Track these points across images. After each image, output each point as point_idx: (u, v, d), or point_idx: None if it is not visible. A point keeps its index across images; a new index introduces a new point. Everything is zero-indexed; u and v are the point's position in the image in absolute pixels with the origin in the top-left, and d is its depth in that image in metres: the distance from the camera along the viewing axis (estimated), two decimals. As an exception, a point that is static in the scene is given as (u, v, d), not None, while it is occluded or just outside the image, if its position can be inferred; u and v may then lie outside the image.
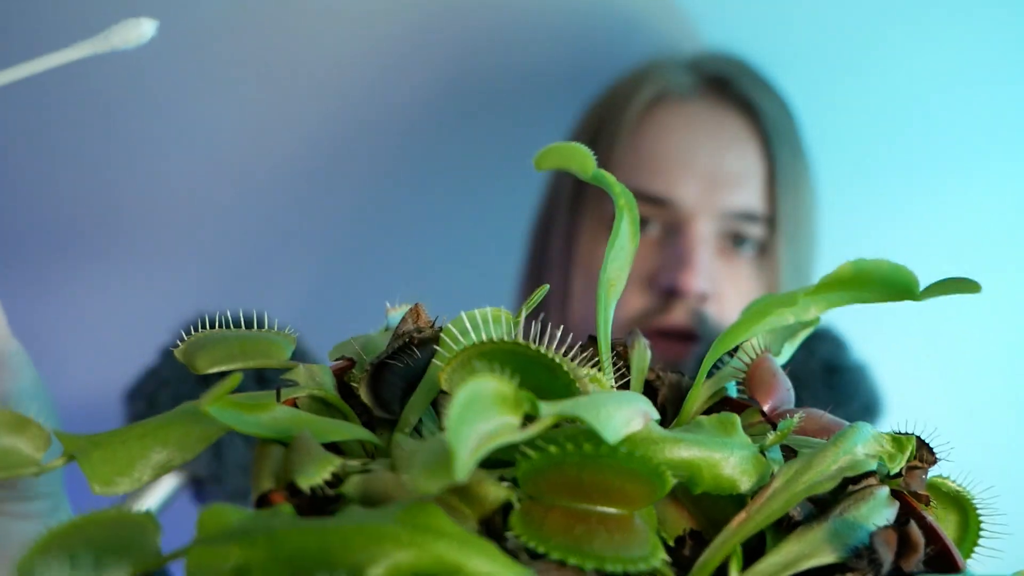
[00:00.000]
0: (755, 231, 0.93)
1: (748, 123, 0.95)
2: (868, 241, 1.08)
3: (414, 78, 1.05)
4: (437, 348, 0.35)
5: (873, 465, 0.33)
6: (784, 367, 0.42)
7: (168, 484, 0.74)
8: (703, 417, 0.35)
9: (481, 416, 0.26)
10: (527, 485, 0.29)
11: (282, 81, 1.04)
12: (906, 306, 1.23)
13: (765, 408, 0.38)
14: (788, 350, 0.46)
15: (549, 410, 0.28)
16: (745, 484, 0.32)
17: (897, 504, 0.33)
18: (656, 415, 0.33)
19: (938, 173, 1.05)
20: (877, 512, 0.32)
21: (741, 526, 0.31)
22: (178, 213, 1.08)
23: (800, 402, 0.77)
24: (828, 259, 1.02)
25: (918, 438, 0.35)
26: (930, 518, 0.33)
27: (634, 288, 0.92)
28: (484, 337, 0.32)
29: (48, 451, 0.39)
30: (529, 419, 0.28)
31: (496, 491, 0.30)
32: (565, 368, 0.31)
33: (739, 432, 0.34)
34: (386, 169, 1.09)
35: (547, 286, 0.42)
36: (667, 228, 0.93)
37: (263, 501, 0.30)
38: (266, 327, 0.78)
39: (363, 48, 1.03)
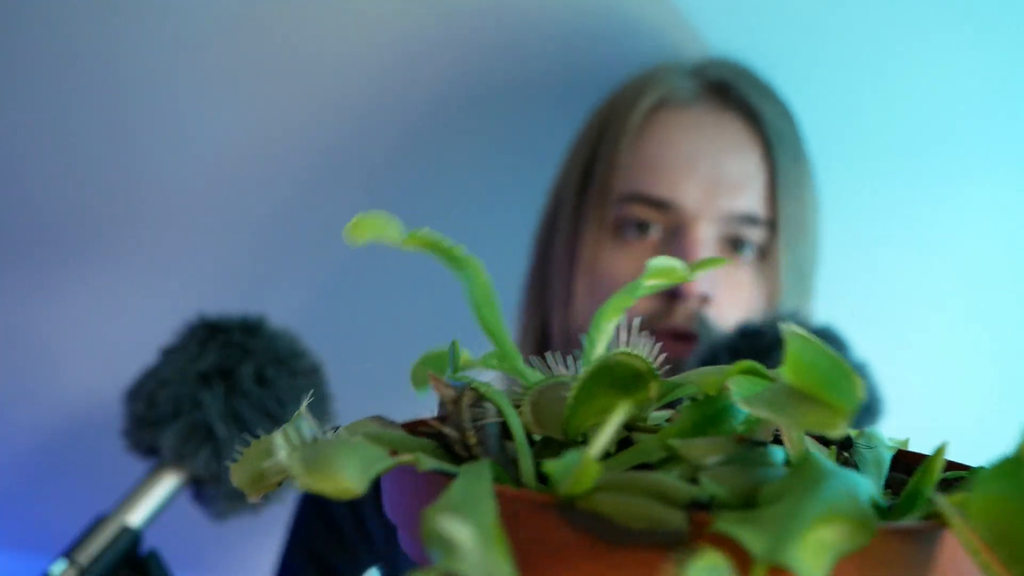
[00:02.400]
0: (756, 235, 0.93)
1: (750, 128, 0.95)
2: (870, 246, 1.08)
3: (416, 81, 1.05)
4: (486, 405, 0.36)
5: None
6: None
7: (168, 484, 0.74)
8: None
9: None
10: None
11: (284, 81, 1.04)
12: (906, 306, 1.22)
13: None
14: None
15: None
16: None
17: None
18: None
19: (940, 178, 1.05)
20: None
21: None
22: (178, 213, 1.08)
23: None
24: (829, 263, 1.02)
25: None
26: None
27: None
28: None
29: None
30: None
31: None
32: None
33: None
34: (387, 172, 1.09)
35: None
36: (669, 231, 0.94)
37: None
38: (265, 328, 0.78)
39: (365, 50, 1.03)
